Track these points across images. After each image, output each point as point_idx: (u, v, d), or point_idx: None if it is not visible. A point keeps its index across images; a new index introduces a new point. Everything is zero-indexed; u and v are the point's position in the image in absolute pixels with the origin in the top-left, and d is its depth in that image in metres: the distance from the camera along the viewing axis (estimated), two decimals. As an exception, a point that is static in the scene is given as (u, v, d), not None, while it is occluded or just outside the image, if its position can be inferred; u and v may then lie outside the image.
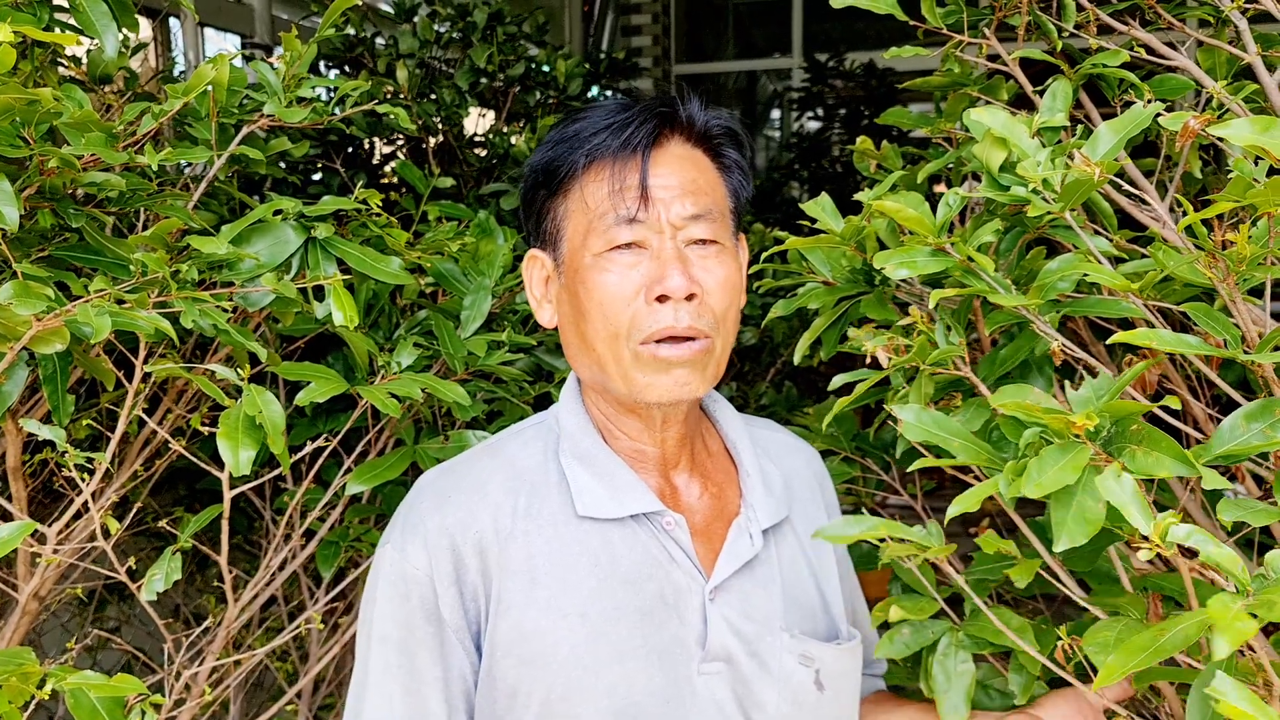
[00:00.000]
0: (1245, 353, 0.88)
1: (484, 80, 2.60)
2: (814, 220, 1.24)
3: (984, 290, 1.01)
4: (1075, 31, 1.26)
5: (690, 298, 1.02)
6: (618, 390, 1.06)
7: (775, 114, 8.01)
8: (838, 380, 1.17)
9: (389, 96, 2.38)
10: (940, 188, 1.23)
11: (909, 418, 0.95)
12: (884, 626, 1.19)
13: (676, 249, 1.03)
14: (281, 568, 1.57)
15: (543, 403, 1.63)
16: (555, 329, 1.13)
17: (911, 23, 1.25)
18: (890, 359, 1.09)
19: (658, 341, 1.02)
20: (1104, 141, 0.97)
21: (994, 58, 1.30)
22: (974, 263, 1.02)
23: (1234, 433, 0.86)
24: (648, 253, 1.03)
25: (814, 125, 6.13)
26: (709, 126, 1.09)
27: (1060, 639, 0.95)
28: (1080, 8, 1.24)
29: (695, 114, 1.08)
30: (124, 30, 1.29)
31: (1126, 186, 1.10)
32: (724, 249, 1.07)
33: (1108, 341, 0.89)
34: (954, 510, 0.87)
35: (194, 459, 1.30)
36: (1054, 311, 1.06)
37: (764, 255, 1.36)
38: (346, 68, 2.59)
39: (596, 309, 1.04)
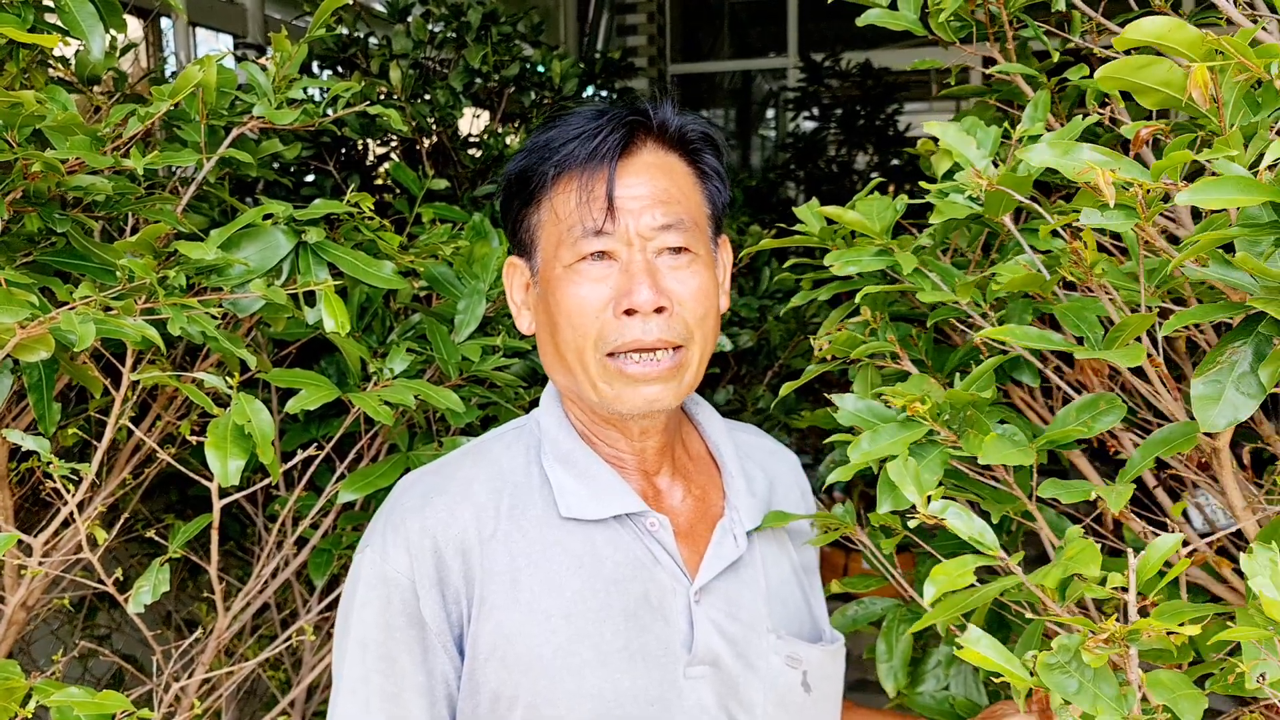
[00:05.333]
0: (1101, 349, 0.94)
1: (478, 81, 2.58)
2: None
3: (911, 286, 1.11)
4: (1079, 41, 1.26)
5: (660, 310, 1.01)
6: (590, 399, 1.06)
7: (770, 114, 8.00)
8: (810, 370, 1.27)
9: (382, 97, 2.36)
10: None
11: (846, 405, 1.05)
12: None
13: (646, 261, 1.02)
14: (274, 575, 1.55)
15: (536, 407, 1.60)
16: (534, 335, 1.12)
17: (931, 37, 1.26)
18: (821, 349, 1.22)
19: (626, 354, 1.02)
20: (1041, 152, 1.01)
21: (990, 62, 1.31)
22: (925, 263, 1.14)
23: (1065, 421, 0.98)
24: (617, 264, 1.02)
25: (810, 125, 6.11)
26: (684, 131, 1.08)
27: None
28: (1088, 17, 1.24)
29: (668, 119, 1.07)
30: (112, 30, 1.27)
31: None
32: (697, 257, 1.05)
33: (976, 336, 0.99)
34: (831, 478, 1.03)
35: (183, 468, 1.28)
36: (1028, 313, 1.13)
37: (741, 255, 1.44)
38: (339, 68, 2.57)
39: (565, 320, 1.03)
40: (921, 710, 1.30)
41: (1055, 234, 1.07)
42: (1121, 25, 1.25)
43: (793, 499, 1.21)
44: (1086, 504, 1.11)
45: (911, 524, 0.92)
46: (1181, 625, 0.75)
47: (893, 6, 1.28)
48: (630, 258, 1.02)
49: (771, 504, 1.16)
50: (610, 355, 1.02)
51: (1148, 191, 0.81)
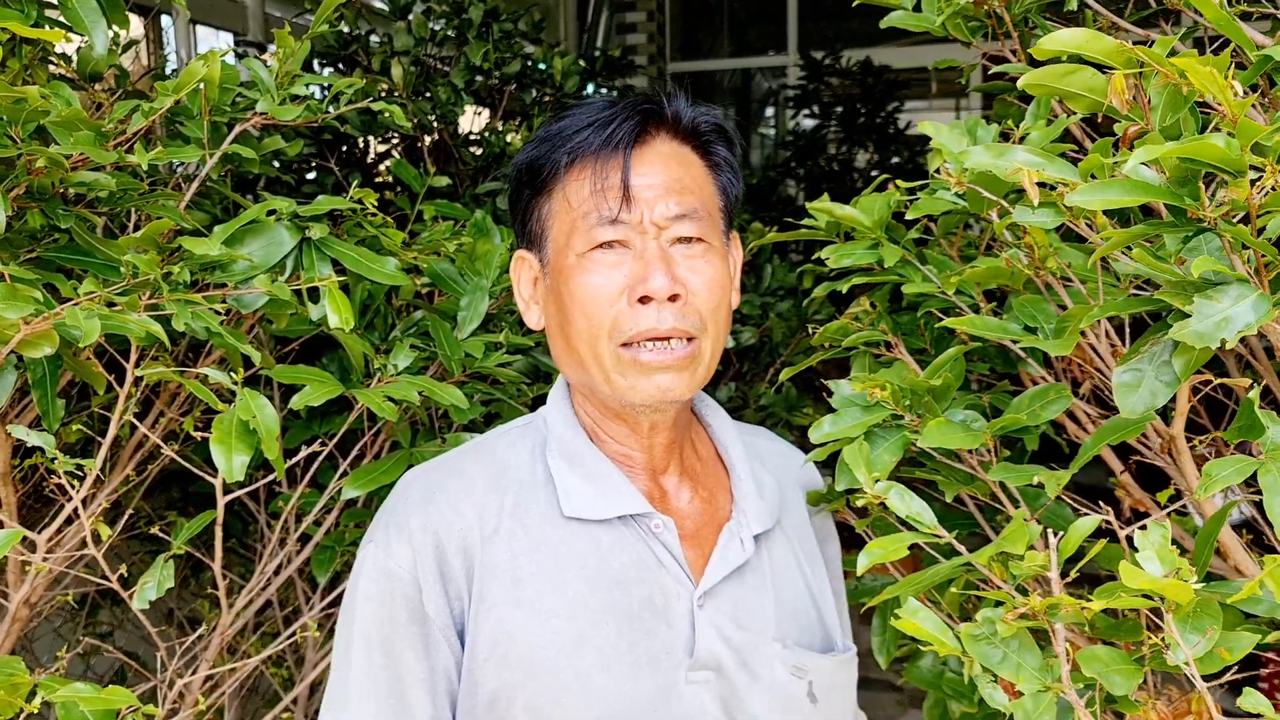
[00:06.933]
0: (1051, 340, 0.99)
1: (480, 78, 2.58)
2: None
3: (896, 278, 1.17)
4: None
5: (674, 298, 1.00)
6: (602, 392, 1.05)
7: (770, 112, 8.00)
8: (809, 359, 1.31)
9: (384, 94, 2.36)
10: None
11: (842, 391, 1.07)
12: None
13: (660, 249, 1.01)
14: (276, 573, 1.55)
15: (540, 404, 1.60)
16: (543, 330, 1.11)
17: (950, 36, 1.27)
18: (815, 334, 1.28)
19: (640, 344, 1.00)
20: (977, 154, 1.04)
21: (996, 60, 1.31)
22: (910, 255, 1.20)
23: (1017, 409, 1.03)
24: (631, 253, 1.01)
25: (810, 123, 6.11)
26: (697, 122, 1.07)
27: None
28: (1099, 15, 1.26)
29: (682, 110, 1.06)
30: (114, 27, 1.27)
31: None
32: (711, 248, 1.04)
33: (935, 326, 1.05)
34: (807, 459, 1.09)
35: (186, 464, 1.28)
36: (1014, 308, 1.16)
37: (750, 247, 1.50)
38: (340, 65, 2.56)
39: (579, 310, 1.02)
40: (918, 683, 1.34)
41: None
42: (1135, 23, 1.26)
43: (801, 501, 1.19)
44: (1105, 492, 1.17)
45: (859, 503, 0.97)
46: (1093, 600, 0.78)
47: (916, 8, 1.30)
48: (644, 245, 1.01)
49: (781, 508, 1.13)
50: (624, 346, 1.01)
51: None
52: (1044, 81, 0.86)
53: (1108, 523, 0.89)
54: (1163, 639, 0.77)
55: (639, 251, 1.01)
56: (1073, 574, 0.83)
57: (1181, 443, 1.02)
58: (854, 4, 1.38)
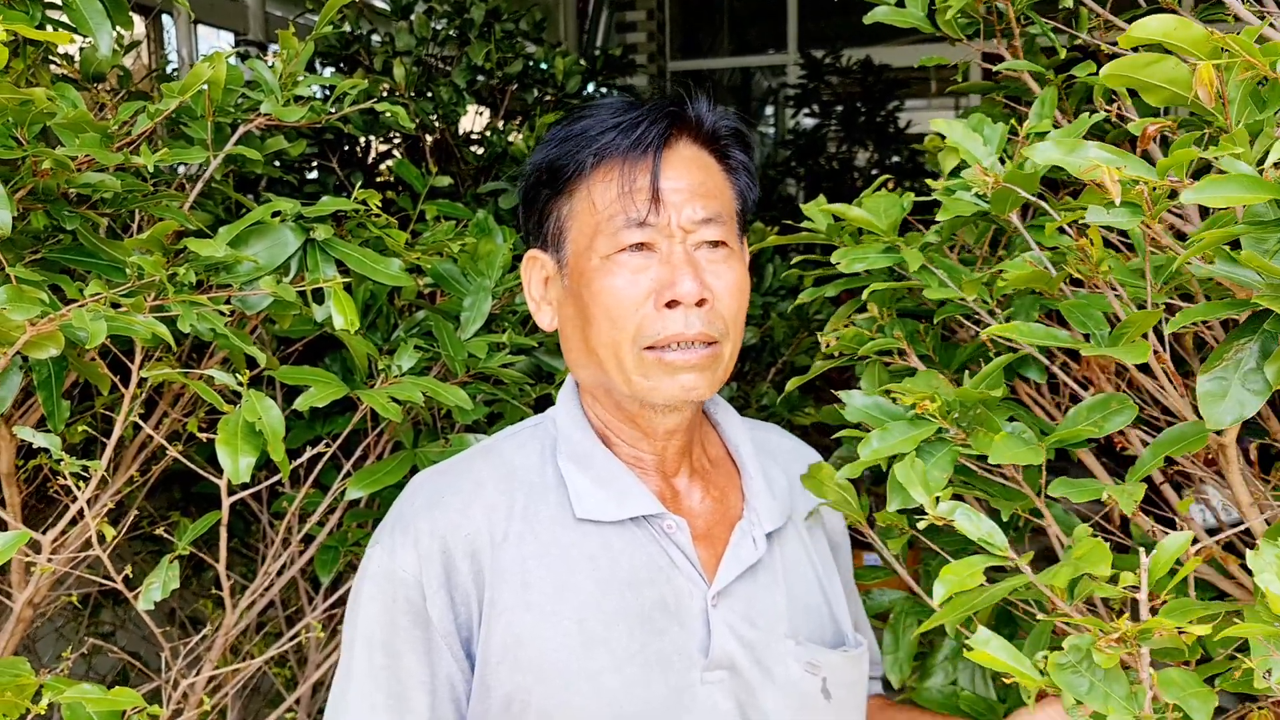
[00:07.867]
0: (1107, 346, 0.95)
1: (481, 78, 2.58)
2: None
3: (917, 283, 1.12)
4: (1086, 37, 1.27)
5: (701, 303, 1.00)
6: (621, 393, 1.04)
7: (770, 111, 8.00)
8: (817, 366, 1.28)
9: (386, 94, 2.36)
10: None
11: (854, 401, 1.05)
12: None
13: (687, 253, 1.01)
14: (280, 573, 1.55)
15: (543, 404, 1.60)
16: (555, 331, 1.11)
17: (939, 34, 1.26)
18: (828, 345, 1.24)
19: (664, 346, 1.00)
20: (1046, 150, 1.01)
21: (991, 59, 1.31)
22: (931, 260, 1.16)
23: (1075, 420, 0.98)
24: (657, 256, 1.01)
25: (810, 122, 6.11)
26: (717, 127, 1.06)
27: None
28: (1095, 14, 1.25)
29: (703, 114, 1.06)
30: (118, 28, 1.27)
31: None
32: (733, 252, 1.05)
33: (983, 334, 1.00)
34: (840, 475, 1.06)
35: (190, 464, 1.28)
36: (1035, 310, 1.13)
37: (750, 250, 1.45)
38: (342, 65, 2.57)
39: (602, 313, 1.01)
40: (929, 704, 1.30)
41: (1061, 230, 1.08)
42: (1129, 22, 1.26)
43: (813, 500, 1.18)
44: (1094, 500, 1.12)
45: (921, 525, 0.90)
46: (1192, 624, 0.75)
47: (899, 4, 1.28)
48: (671, 249, 1.01)
49: (792, 505, 1.13)
50: (648, 349, 1.00)
51: (1154, 189, 0.81)
52: (1125, 72, 0.82)
53: (1110, 534, 0.87)
54: (1246, 658, 0.74)
55: (665, 255, 1.01)
56: (1164, 595, 0.80)
57: (1232, 452, 0.99)
58: (838, 0, 1.38)
